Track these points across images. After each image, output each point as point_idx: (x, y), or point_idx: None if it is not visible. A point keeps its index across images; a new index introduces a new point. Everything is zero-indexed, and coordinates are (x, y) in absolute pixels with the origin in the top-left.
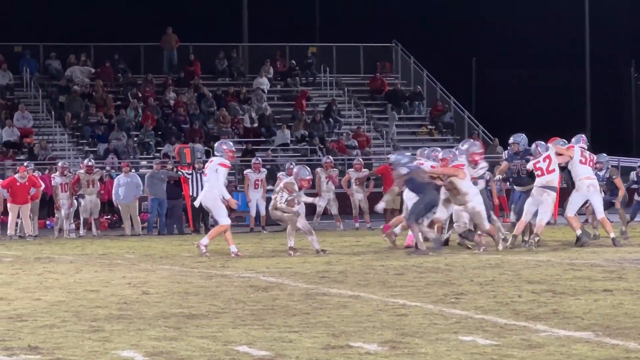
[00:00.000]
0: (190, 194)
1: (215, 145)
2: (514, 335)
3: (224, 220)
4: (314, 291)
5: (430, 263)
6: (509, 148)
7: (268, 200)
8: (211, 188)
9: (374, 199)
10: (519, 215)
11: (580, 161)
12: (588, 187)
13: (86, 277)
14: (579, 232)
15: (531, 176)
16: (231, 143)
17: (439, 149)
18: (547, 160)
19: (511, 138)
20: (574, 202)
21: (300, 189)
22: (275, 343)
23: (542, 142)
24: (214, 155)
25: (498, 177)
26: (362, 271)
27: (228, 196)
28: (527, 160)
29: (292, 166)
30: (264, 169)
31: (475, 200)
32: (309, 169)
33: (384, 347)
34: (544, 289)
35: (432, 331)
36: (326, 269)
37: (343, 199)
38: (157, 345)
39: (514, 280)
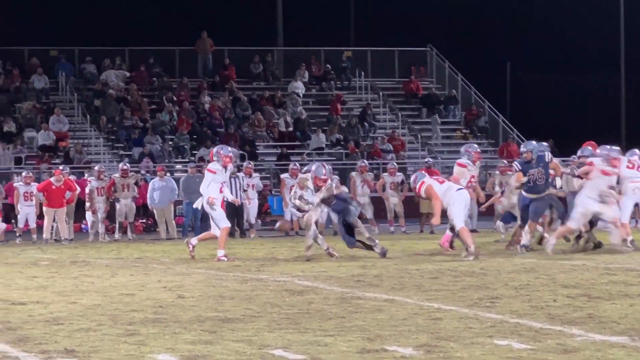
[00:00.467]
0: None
1: (214, 149)
2: (549, 340)
3: (223, 223)
4: (349, 295)
5: (465, 267)
6: (521, 158)
7: None
8: (205, 193)
9: (408, 202)
10: (524, 221)
11: (627, 166)
12: (634, 190)
13: (122, 281)
14: (630, 238)
15: (546, 184)
16: (230, 148)
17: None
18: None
19: (522, 147)
20: (625, 207)
21: (317, 188)
22: (310, 347)
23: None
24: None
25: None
26: (397, 275)
27: (217, 197)
28: (543, 167)
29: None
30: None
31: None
32: (327, 167)
33: (419, 350)
34: (579, 293)
35: (467, 335)
36: (361, 272)
37: (378, 203)
38: (193, 349)
39: (549, 284)
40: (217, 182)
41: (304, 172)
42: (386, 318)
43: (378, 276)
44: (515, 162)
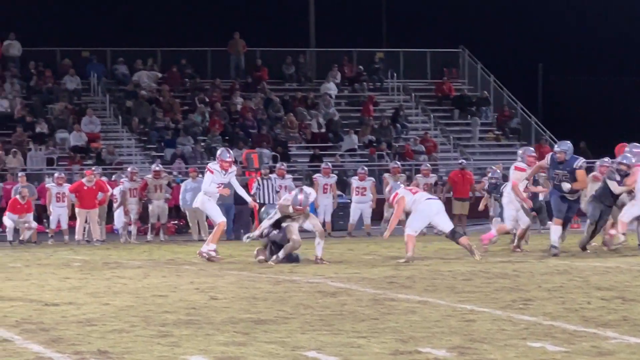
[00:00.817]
0: (258, 200)
1: (217, 153)
2: (583, 342)
3: (219, 218)
4: (382, 296)
5: (498, 269)
6: (554, 156)
7: (336, 206)
8: (201, 192)
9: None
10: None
11: None
12: None
13: (154, 282)
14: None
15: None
16: (229, 153)
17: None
18: None
19: (557, 147)
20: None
21: (296, 211)
22: (343, 348)
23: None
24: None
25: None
26: (429, 277)
27: (216, 190)
28: (569, 171)
29: (363, 171)
30: (334, 175)
31: None
32: (309, 193)
33: (452, 352)
34: (613, 296)
35: (501, 337)
36: (394, 274)
37: None
38: (226, 351)
39: (583, 286)
40: (216, 182)
41: (354, 179)
42: (419, 320)
43: (411, 278)
44: (547, 157)
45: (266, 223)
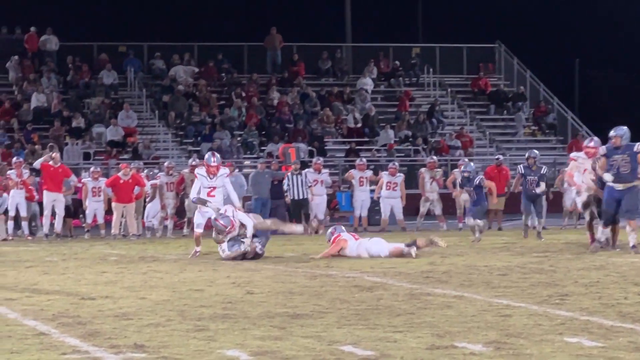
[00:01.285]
0: (291, 196)
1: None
2: (620, 338)
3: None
4: (418, 291)
5: (534, 264)
6: (608, 142)
7: (372, 201)
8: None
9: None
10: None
11: None
12: None
13: (190, 277)
14: None
15: (633, 174)
16: (214, 157)
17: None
18: None
19: (612, 131)
20: None
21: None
22: (379, 343)
23: None
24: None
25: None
26: (465, 271)
27: (198, 199)
28: (629, 155)
29: (394, 166)
30: (369, 170)
31: None
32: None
33: (488, 347)
34: None
35: (537, 332)
36: (430, 269)
37: (447, 200)
38: (262, 345)
39: (620, 282)
40: (205, 187)
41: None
42: (455, 314)
43: (447, 272)
44: (602, 147)
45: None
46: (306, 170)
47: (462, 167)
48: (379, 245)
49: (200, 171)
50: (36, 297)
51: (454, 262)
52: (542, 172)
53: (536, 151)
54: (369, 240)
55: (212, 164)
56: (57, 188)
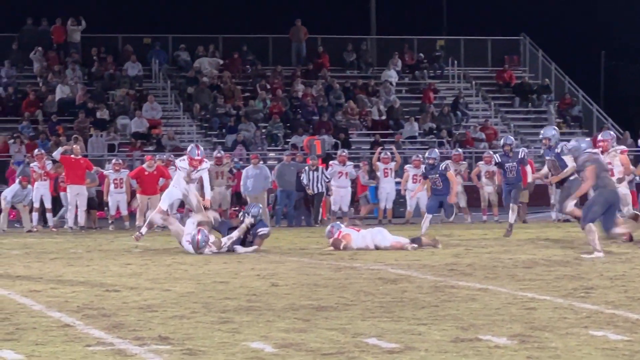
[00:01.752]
0: (311, 190)
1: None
2: None
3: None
4: (443, 284)
5: (559, 257)
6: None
7: (397, 192)
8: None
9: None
10: None
11: None
12: None
13: (215, 269)
14: None
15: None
16: (198, 150)
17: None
18: None
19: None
20: None
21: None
22: (404, 335)
23: None
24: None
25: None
26: (490, 264)
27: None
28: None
29: (417, 158)
30: (393, 162)
31: None
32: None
33: (513, 340)
34: None
35: (562, 325)
36: (454, 261)
37: (471, 192)
38: (287, 337)
39: None
40: (184, 179)
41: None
42: (480, 307)
43: (471, 265)
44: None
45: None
46: (331, 162)
47: (427, 153)
48: (381, 235)
49: (182, 164)
50: (61, 289)
51: (479, 254)
52: (520, 156)
53: (511, 137)
54: (370, 230)
55: (197, 157)
56: (80, 180)
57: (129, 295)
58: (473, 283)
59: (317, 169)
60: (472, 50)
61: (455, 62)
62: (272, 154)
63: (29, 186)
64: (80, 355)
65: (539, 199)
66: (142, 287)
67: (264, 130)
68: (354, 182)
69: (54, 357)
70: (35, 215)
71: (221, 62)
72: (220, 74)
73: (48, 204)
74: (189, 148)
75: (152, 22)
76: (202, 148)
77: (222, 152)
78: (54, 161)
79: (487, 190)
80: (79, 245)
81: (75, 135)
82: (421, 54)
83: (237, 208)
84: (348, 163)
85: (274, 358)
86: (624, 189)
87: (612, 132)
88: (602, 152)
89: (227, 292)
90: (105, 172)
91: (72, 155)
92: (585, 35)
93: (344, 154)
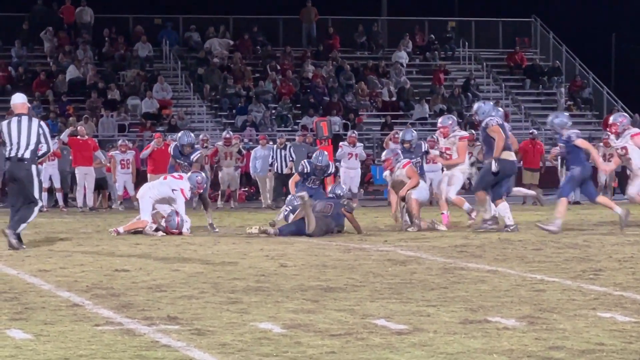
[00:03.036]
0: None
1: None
2: None
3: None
4: (452, 265)
5: (568, 239)
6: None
7: None
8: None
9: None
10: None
11: None
12: None
13: (224, 249)
14: None
15: None
16: (189, 138)
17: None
18: None
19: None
20: None
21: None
22: (413, 317)
23: None
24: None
25: None
26: (500, 246)
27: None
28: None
29: (432, 138)
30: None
31: None
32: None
33: (522, 322)
34: None
35: (571, 307)
36: (464, 243)
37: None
38: (295, 318)
39: None
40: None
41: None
42: (489, 289)
43: (481, 247)
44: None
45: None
46: (340, 143)
47: (401, 134)
48: None
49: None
50: (70, 269)
51: (488, 236)
52: (423, 149)
53: (414, 133)
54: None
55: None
56: (87, 162)
57: (138, 275)
58: (482, 265)
59: (284, 147)
60: (483, 31)
61: (467, 43)
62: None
63: (39, 166)
64: (89, 334)
65: (549, 181)
66: (151, 267)
67: (273, 111)
68: (364, 163)
69: (63, 337)
70: (44, 195)
71: (231, 43)
72: (231, 54)
73: (57, 184)
74: (180, 134)
75: (163, 3)
76: (192, 135)
77: (231, 133)
78: (64, 143)
79: None
80: (89, 225)
81: (85, 116)
82: (432, 35)
83: (246, 189)
84: (358, 144)
85: (282, 339)
86: None
87: (625, 114)
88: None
89: (235, 273)
90: (111, 153)
91: (79, 137)
92: (596, 17)
93: (354, 135)
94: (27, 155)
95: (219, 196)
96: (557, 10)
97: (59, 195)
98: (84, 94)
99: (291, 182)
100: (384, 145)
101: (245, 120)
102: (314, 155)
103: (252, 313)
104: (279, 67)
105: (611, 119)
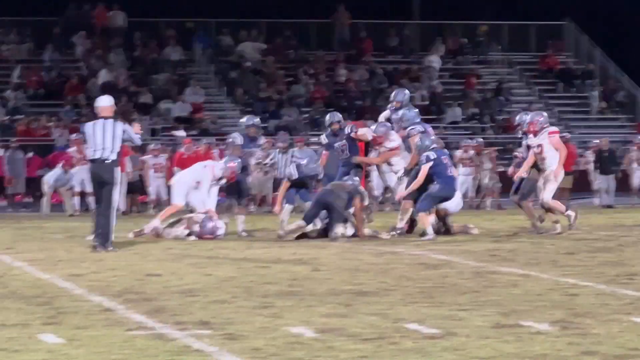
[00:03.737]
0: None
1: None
2: None
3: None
4: (484, 269)
5: (602, 242)
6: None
7: None
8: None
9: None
10: None
11: None
12: None
13: (257, 253)
14: None
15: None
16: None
17: None
18: None
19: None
20: None
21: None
22: (445, 321)
23: None
24: None
25: None
26: (532, 250)
27: None
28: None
29: (468, 142)
30: None
31: None
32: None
33: (554, 326)
34: None
35: (604, 312)
36: (496, 247)
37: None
38: (327, 322)
39: None
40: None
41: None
42: (521, 293)
43: (513, 251)
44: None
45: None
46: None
47: (327, 117)
48: None
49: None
50: (102, 273)
51: (521, 240)
52: (347, 132)
53: (339, 114)
54: None
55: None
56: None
57: (170, 280)
58: (515, 269)
59: (285, 152)
60: (515, 35)
61: (499, 47)
62: (314, 139)
63: (71, 170)
64: (121, 339)
65: (581, 185)
66: (184, 271)
67: (306, 115)
68: None
69: (95, 341)
70: (77, 199)
71: (264, 46)
72: (263, 58)
73: (89, 188)
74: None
75: (195, 7)
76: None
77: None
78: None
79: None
80: (121, 229)
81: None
82: (464, 39)
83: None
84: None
85: (314, 343)
86: None
87: (542, 113)
88: None
89: (268, 277)
90: (142, 158)
91: None
92: (630, 20)
93: None
94: (113, 157)
95: (251, 201)
96: (591, 13)
97: (91, 200)
98: (116, 97)
99: (282, 190)
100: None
101: (278, 125)
102: (307, 161)
103: (284, 317)
104: (311, 71)
105: (529, 118)
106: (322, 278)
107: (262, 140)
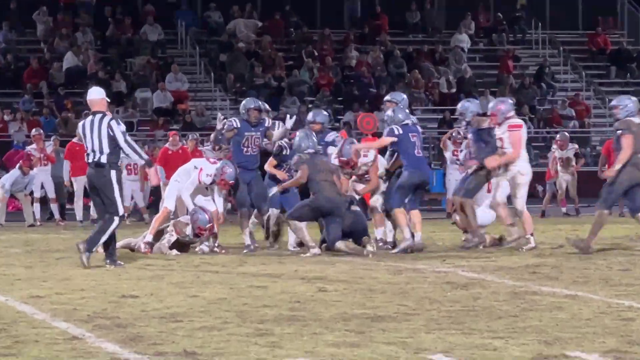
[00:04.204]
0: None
1: None
2: None
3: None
4: (523, 289)
5: None
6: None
7: None
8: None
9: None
10: None
11: None
12: None
13: (251, 271)
14: None
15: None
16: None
17: None
18: None
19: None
20: None
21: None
22: (476, 351)
23: None
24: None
25: None
26: (579, 266)
27: None
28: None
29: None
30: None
31: None
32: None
33: (606, 357)
34: None
35: None
36: (537, 262)
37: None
38: (336, 353)
39: None
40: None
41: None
42: (567, 318)
43: (557, 267)
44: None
45: None
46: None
47: (309, 115)
48: None
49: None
50: (68, 295)
51: (566, 255)
52: (266, 124)
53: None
54: None
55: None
56: (85, 171)
57: (148, 302)
58: (559, 289)
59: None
60: (559, 10)
61: (540, 24)
62: None
63: (31, 172)
64: None
65: None
66: (165, 292)
67: (310, 106)
68: None
69: None
70: (37, 206)
71: (260, 24)
72: (259, 38)
73: (51, 193)
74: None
75: None
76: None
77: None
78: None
79: (565, 178)
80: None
81: (86, 112)
82: (499, 15)
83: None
84: None
85: None
86: None
87: (505, 100)
88: None
89: (265, 299)
90: None
91: (75, 140)
92: None
93: None
94: (104, 160)
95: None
96: None
97: (54, 207)
98: (83, 85)
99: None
100: (441, 145)
101: (277, 116)
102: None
103: (284, 347)
104: (316, 53)
105: (490, 107)
106: (329, 300)
107: (268, 122)
